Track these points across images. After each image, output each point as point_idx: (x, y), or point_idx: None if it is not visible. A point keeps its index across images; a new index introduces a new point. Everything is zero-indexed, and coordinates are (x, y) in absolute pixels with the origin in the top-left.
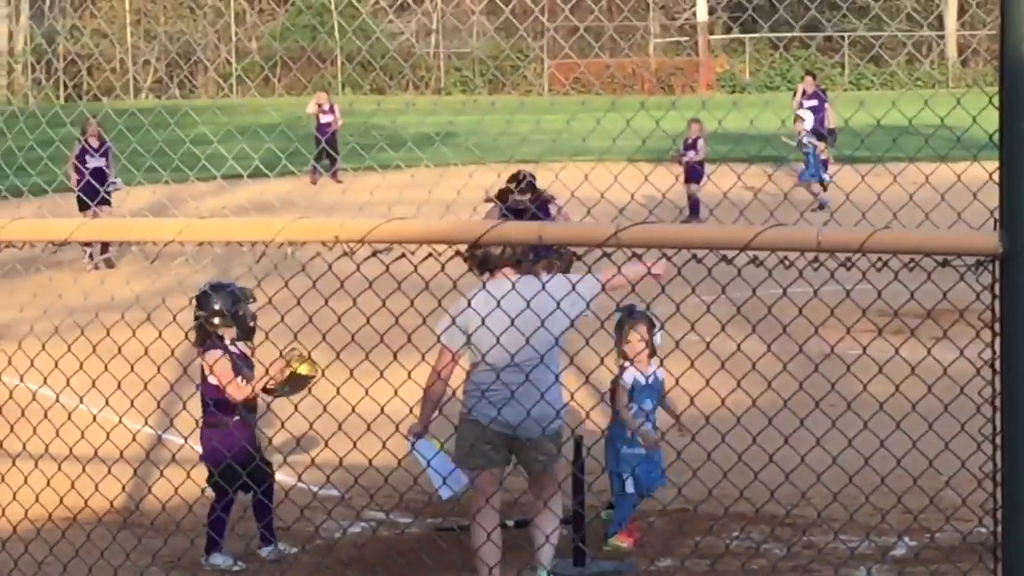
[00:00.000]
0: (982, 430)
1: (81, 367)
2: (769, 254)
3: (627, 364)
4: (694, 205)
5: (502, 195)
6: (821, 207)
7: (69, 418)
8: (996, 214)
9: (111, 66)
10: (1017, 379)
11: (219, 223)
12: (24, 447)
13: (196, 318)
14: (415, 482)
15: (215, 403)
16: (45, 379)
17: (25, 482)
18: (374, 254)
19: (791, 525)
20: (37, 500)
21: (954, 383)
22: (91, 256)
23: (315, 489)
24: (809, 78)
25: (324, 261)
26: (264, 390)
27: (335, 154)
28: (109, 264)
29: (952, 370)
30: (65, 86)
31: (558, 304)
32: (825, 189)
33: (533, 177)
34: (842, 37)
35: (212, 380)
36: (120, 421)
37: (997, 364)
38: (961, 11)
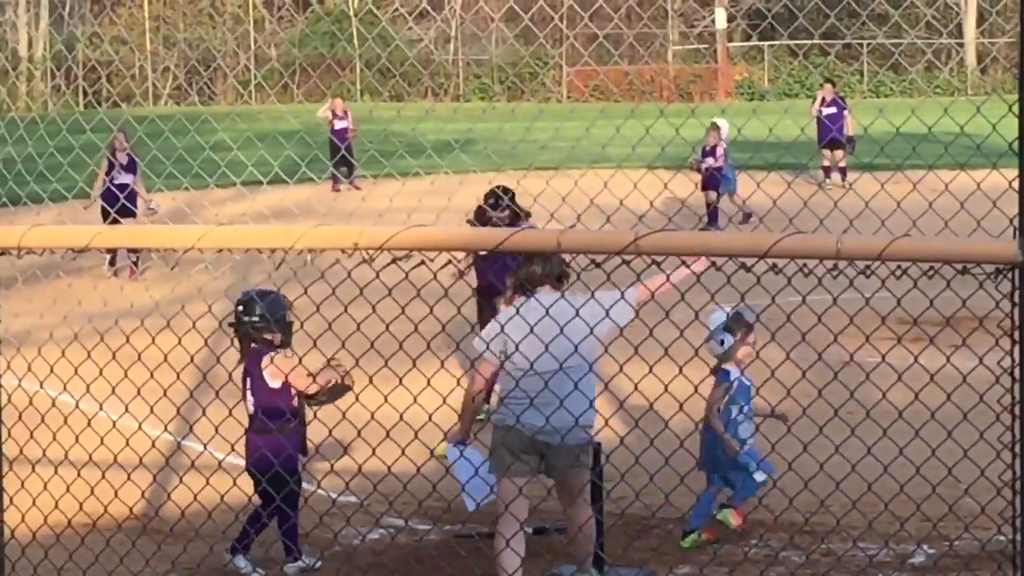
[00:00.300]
0: (1001, 438)
1: (101, 373)
2: (788, 262)
3: (731, 366)
4: (713, 213)
5: (479, 214)
6: (747, 218)
7: (89, 424)
8: (1015, 222)
9: (131, 73)
10: None
11: (239, 230)
12: (44, 453)
13: (243, 324)
14: (434, 489)
15: (270, 410)
16: (65, 385)
17: (45, 488)
18: (393, 261)
19: (810, 533)
20: (56, 506)
21: (973, 391)
22: (112, 263)
23: (334, 496)
24: (828, 85)
25: (343, 268)
26: (305, 396)
27: (353, 160)
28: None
29: (971, 378)
30: (85, 93)
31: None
32: (731, 200)
33: (509, 193)
34: (861, 44)
35: (273, 384)
36: (140, 427)
37: (1016, 372)
38: (980, 19)
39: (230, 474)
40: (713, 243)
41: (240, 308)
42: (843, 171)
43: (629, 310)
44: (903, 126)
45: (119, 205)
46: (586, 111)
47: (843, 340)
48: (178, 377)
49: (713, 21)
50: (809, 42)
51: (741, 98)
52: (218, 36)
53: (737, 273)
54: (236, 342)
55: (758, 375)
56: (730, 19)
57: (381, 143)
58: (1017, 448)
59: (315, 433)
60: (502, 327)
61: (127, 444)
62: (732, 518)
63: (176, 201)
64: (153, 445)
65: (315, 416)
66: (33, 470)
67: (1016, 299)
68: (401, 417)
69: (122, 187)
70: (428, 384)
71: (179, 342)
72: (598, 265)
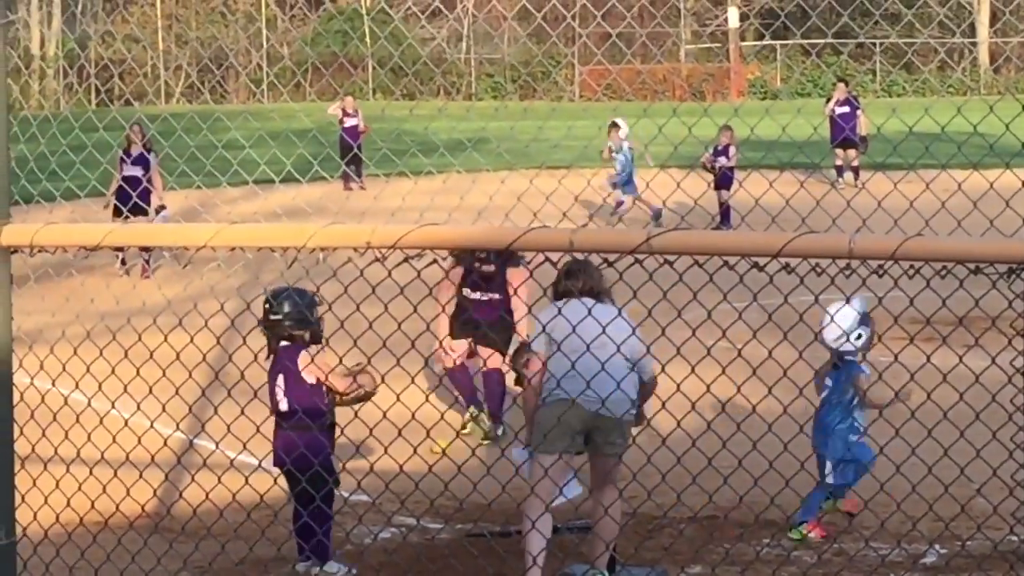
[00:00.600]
0: (1014, 438)
1: (113, 372)
2: (801, 261)
3: (859, 357)
4: (725, 212)
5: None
6: (657, 215)
7: (100, 422)
8: None
9: (143, 71)
10: None
11: (251, 228)
12: (56, 451)
13: (272, 322)
14: (446, 488)
15: (308, 408)
16: (77, 383)
17: (56, 486)
18: (405, 260)
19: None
20: (68, 504)
21: (986, 391)
22: (123, 261)
23: (346, 495)
24: (841, 85)
25: (356, 267)
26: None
27: (362, 157)
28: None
29: (984, 378)
30: (97, 91)
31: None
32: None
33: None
34: (874, 44)
35: (310, 380)
36: (151, 426)
37: None
38: (993, 18)
39: (242, 472)
40: (726, 242)
41: (268, 306)
42: (856, 170)
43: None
44: (916, 125)
45: (131, 203)
46: (598, 110)
47: None
48: (190, 375)
49: (726, 20)
50: (822, 41)
51: (754, 97)
52: (230, 34)
53: (750, 272)
54: (245, 339)
55: (770, 375)
56: (743, 18)
57: (393, 142)
58: None
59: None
60: (544, 326)
61: (139, 442)
62: (845, 507)
63: (188, 200)
64: (165, 443)
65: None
66: (45, 468)
67: None
68: (413, 416)
69: (130, 180)
70: (440, 383)
71: (191, 340)
72: (610, 264)
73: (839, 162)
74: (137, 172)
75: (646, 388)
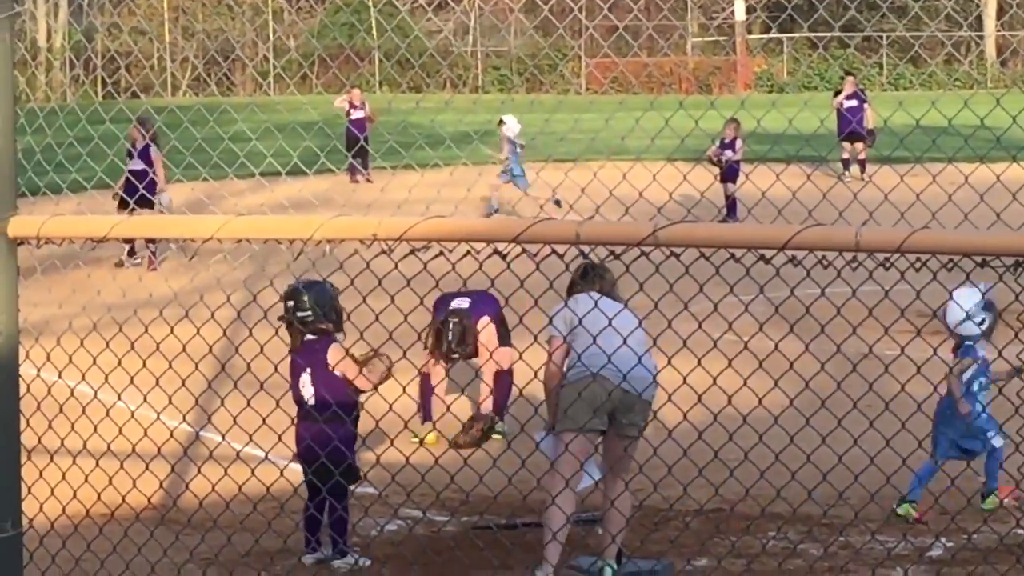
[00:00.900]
0: (1020, 431)
1: (119, 363)
2: (807, 254)
3: (980, 343)
4: (731, 205)
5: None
6: (495, 211)
7: (107, 414)
8: None
9: (150, 63)
10: None
11: (257, 220)
12: (62, 443)
13: (296, 317)
14: (452, 480)
15: (338, 400)
16: (83, 375)
17: (63, 478)
18: (412, 252)
19: (828, 525)
20: (75, 496)
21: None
22: (131, 252)
23: (352, 487)
24: (850, 78)
25: (362, 259)
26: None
27: (369, 149)
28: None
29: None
30: (104, 83)
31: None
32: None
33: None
34: (881, 37)
35: (338, 373)
36: (158, 417)
37: None
38: (1001, 11)
39: (248, 464)
40: (732, 235)
41: (291, 302)
42: (862, 164)
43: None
44: (923, 119)
45: (137, 195)
46: (605, 103)
47: (862, 332)
48: (196, 367)
49: (732, 13)
50: (828, 34)
51: (760, 90)
52: (237, 27)
53: (756, 265)
54: (251, 331)
55: (776, 367)
56: (749, 11)
57: (400, 134)
58: None
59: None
60: (558, 311)
61: (145, 434)
62: (999, 496)
63: (195, 192)
64: (171, 435)
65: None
66: (51, 460)
67: None
68: (419, 409)
69: (135, 174)
70: (447, 375)
71: (198, 332)
72: (617, 256)
73: (846, 155)
74: (140, 166)
75: None
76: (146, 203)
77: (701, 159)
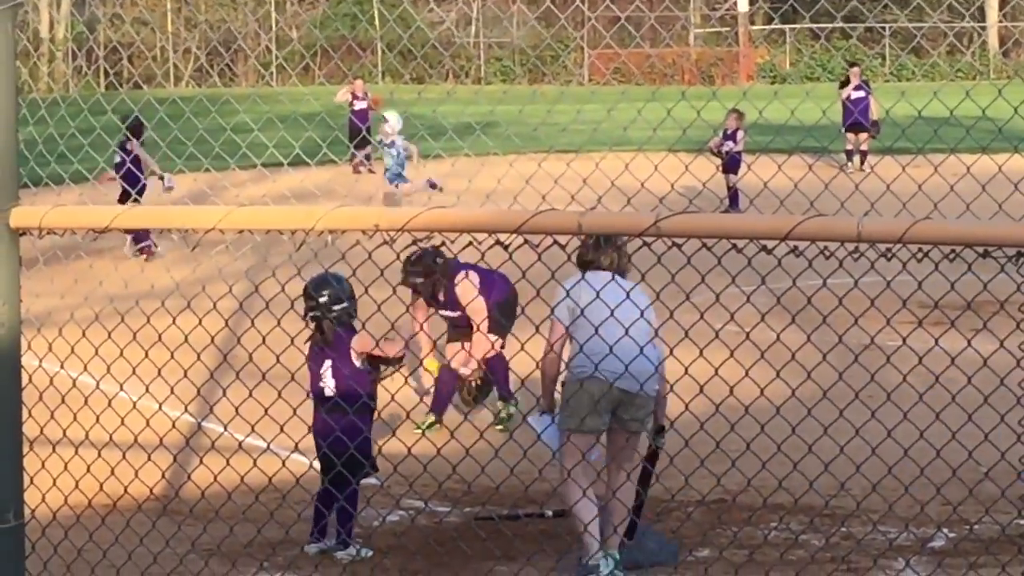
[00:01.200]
0: (1022, 422)
1: (121, 354)
2: (809, 244)
3: None
4: (733, 195)
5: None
6: (433, 186)
7: (109, 405)
8: None
9: (152, 54)
10: None
11: (259, 211)
12: (64, 434)
13: (331, 312)
14: (454, 470)
15: (357, 393)
16: (85, 366)
17: (65, 468)
18: (414, 242)
19: (830, 516)
20: (77, 486)
21: (994, 374)
22: (136, 240)
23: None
24: (856, 69)
25: (364, 249)
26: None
27: (371, 140)
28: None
29: (992, 361)
30: (106, 74)
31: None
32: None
33: (432, 253)
34: (883, 28)
35: (359, 364)
36: (160, 408)
37: None
38: (1003, 2)
39: (250, 455)
40: (734, 225)
41: (324, 298)
42: (863, 154)
43: (663, 351)
44: (925, 109)
45: (137, 187)
46: (607, 94)
47: (864, 323)
48: (198, 358)
49: (735, 4)
50: (831, 25)
51: (763, 81)
52: (239, 17)
53: (758, 256)
54: (253, 322)
55: (778, 358)
56: (752, 2)
57: (402, 125)
58: None
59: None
60: (568, 292)
61: (147, 425)
62: None
63: (197, 182)
64: (173, 426)
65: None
66: (54, 450)
67: None
68: (422, 399)
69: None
70: (447, 365)
71: (200, 323)
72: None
73: (850, 146)
74: (119, 159)
75: (656, 379)
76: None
77: (703, 150)
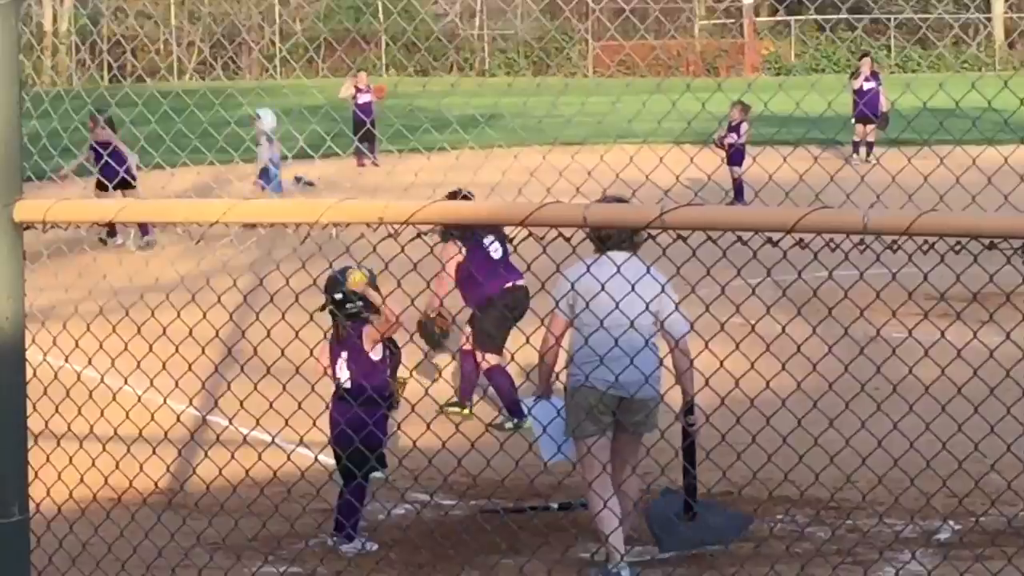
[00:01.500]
0: None
1: (126, 348)
2: (814, 237)
3: None
4: (738, 187)
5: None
6: (308, 185)
7: (113, 399)
8: None
9: (156, 47)
10: None
11: (263, 204)
12: (69, 428)
13: (353, 306)
14: (459, 464)
15: (374, 385)
16: (90, 360)
17: (70, 462)
18: (419, 235)
19: (836, 508)
20: (82, 481)
21: (1000, 367)
22: (110, 234)
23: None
24: (867, 59)
25: (368, 243)
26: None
27: (376, 133)
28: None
29: (998, 353)
30: (110, 67)
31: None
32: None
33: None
34: (888, 19)
35: (375, 356)
36: (165, 402)
37: None
38: None
39: (255, 449)
40: (739, 218)
41: (338, 296)
42: (870, 146)
43: (685, 326)
44: (930, 101)
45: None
46: (612, 86)
47: (869, 315)
48: (203, 352)
49: None
50: (836, 17)
51: (768, 73)
52: (243, 10)
53: (763, 248)
54: (258, 315)
55: (784, 351)
56: None
57: (406, 118)
58: None
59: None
60: (572, 285)
61: (152, 419)
62: None
63: (201, 176)
64: (178, 420)
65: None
66: (58, 445)
67: None
68: (427, 392)
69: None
70: (453, 359)
71: (204, 316)
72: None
73: (857, 137)
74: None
75: (678, 356)
76: (126, 185)
77: (708, 142)
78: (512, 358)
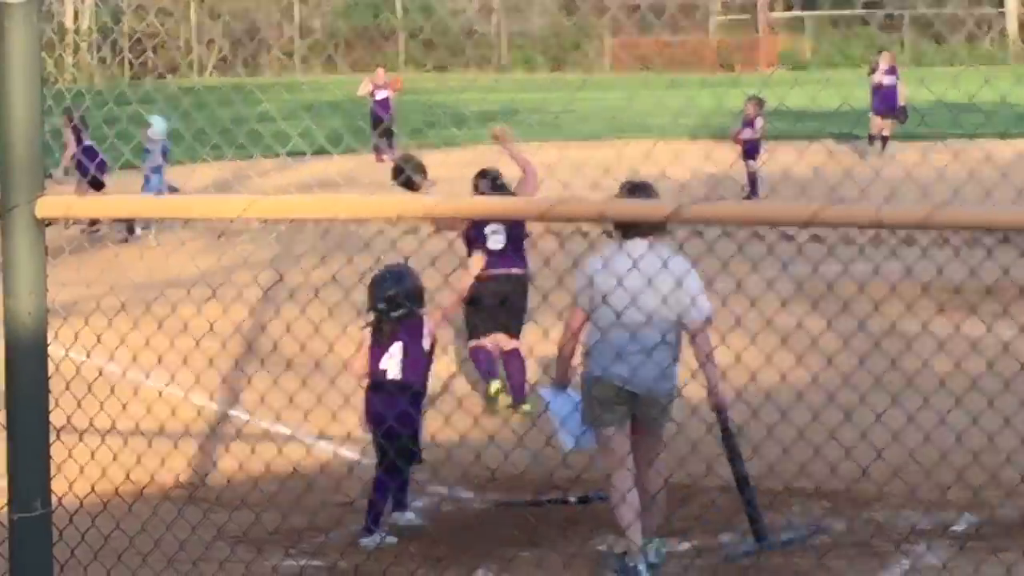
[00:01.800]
0: None
1: (147, 343)
2: (830, 231)
3: None
4: (753, 182)
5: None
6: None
7: (135, 393)
8: None
9: (176, 44)
10: None
11: (284, 200)
12: (91, 422)
13: (402, 311)
14: (478, 457)
15: (423, 378)
16: (112, 355)
17: (92, 457)
18: (437, 231)
19: (852, 501)
20: (104, 475)
21: (1015, 359)
22: (132, 230)
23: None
24: (887, 53)
25: (387, 238)
26: None
27: (394, 130)
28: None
29: (1013, 346)
30: (131, 64)
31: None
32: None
33: (493, 174)
34: (903, 15)
35: (426, 347)
36: (186, 396)
37: None
38: None
39: (275, 442)
40: (755, 212)
41: (382, 304)
42: (885, 140)
43: (707, 308)
44: (945, 96)
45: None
46: (628, 82)
47: (885, 309)
48: (224, 346)
49: None
50: (851, 12)
51: (783, 68)
52: (262, 8)
53: (779, 243)
54: (278, 310)
55: (800, 344)
56: None
57: (424, 114)
58: None
59: (360, 402)
60: (591, 278)
61: (173, 413)
62: None
63: (222, 172)
64: (199, 414)
65: (360, 385)
66: (80, 439)
67: None
68: (446, 387)
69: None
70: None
71: (225, 312)
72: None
73: (874, 130)
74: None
75: (699, 344)
76: (98, 184)
77: (725, 137)
78: (530, 351)
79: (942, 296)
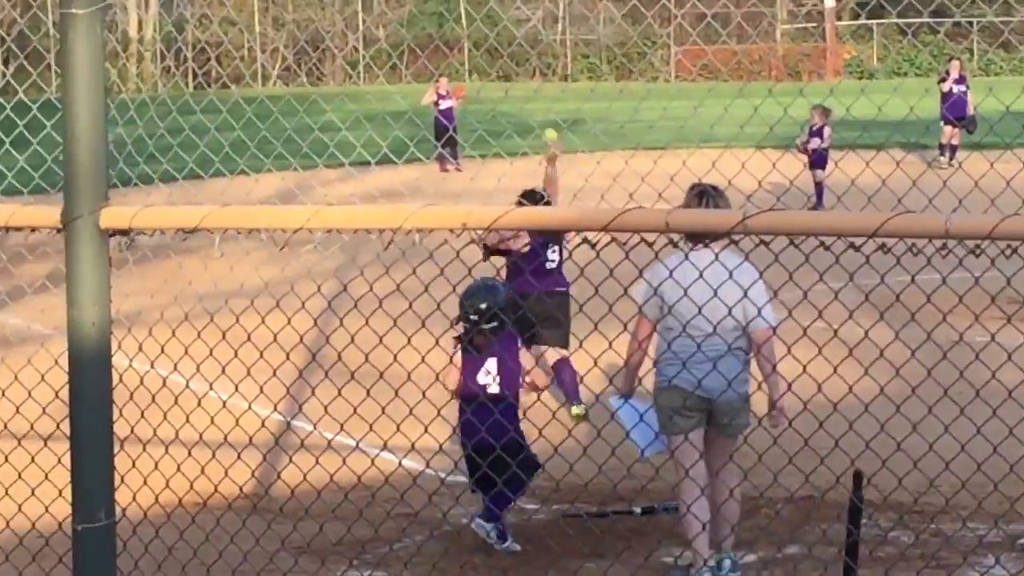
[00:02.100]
0: None
1: (211, 353)
2: (897, 241)
3: None
4: (820, 192)
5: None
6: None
7: (199, 404)
8: None
9: (240, 54)
10: None
11: (347, 210)
12: (155, 433)
13: (494, 324)
14: (542, 468)
15: (517, 393)
16: (175, 365)
17: (156, 468)
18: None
19: (919, 513)
20: (167, 485)
21: None
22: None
23: (443, 475)
24: (956, 62)
25: (452, 248)
26: None
27: (458, 138)
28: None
29: None
30: (195, 74)
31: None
32: None
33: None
34: (971, 23)
35: (526, 363)
36: (249, 407)
37: None
38: None
39: (339, 453)
40: (821, 223)
41: (475, 317)
42: (953, 149)
43: (773, 318)
44: (1013, 104)
45: None
46: (694, 90)
47: (952, 320)
48: (287, 357)
49: (822, 0)
50: (918, 20)
51: (850, 77)
52: (327, 17)
53: (846, 253)
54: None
55: (867, 355)
56: None
57: (489, 123)
58: None
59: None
60: (655, 289)
61: (237, 424)
62: None
63: (285, 182)
64: (263, 425)
65: (423, 396)
66: (144, 450)
67: None
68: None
69: None
70: (536, 363)
71: (288, 322)
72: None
73: (945, 140)
74: None
75: (764, 354)
76: None
77: (790, 147)
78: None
79: (1010, 307)
